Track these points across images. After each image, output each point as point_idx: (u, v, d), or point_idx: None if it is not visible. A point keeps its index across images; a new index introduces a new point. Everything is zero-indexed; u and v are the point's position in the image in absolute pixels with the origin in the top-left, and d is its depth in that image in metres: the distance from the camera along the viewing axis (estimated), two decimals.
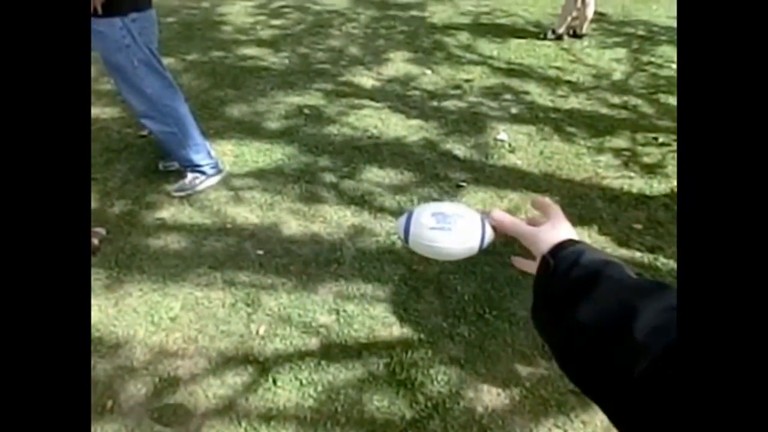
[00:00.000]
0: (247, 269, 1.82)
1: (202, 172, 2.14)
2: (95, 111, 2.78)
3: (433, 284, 1.76)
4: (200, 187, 2.17)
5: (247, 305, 1.67)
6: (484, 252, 0.59)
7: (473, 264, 1.84)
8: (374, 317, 1.65)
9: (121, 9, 1.63)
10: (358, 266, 1.83)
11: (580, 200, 2.23)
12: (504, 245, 1.93)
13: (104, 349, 1.54)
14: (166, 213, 2.09)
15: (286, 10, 4.87)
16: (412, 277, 1.78)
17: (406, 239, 0.56)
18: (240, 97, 3.06)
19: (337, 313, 1.66)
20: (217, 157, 2.33)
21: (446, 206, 0.56)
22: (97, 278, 1.79)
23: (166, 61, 3.58)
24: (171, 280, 1.77)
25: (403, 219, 0.57)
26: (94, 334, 1.59)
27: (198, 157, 2.07)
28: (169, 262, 1.85)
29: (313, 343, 1.56)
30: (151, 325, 1.61)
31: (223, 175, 2.24)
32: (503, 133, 2.69)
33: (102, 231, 1.98)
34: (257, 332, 1.58)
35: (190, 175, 2.13)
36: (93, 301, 1.70)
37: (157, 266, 1.83)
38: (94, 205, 2.15)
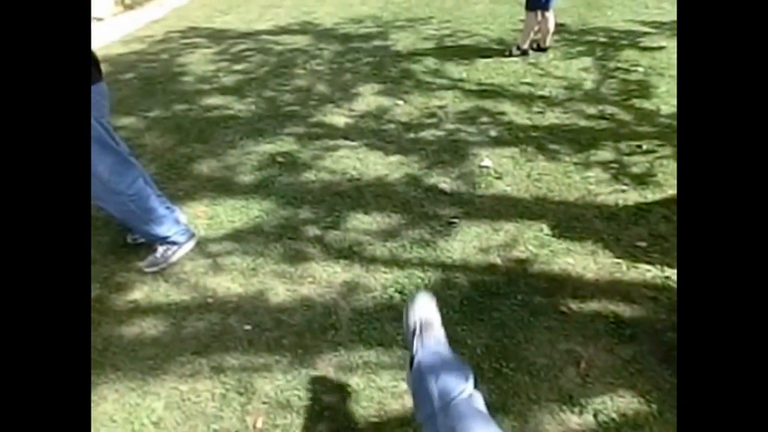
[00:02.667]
0: (235, 350, 1.64)
1: (173, 243, 1.97)
2: None
3: None
4: (174, 259, 1.99)
5: (240, 394, 1.49)
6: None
7: (479, 310, 1.70)
8: (382, 388, 1.49)
9: None
10: (357, 329, 1.68)
11: (578, 222, 2.13)
12: (507, 284, 1.81)
13: None
14: (139, 293, 1.90)
15: (247, 53, 4.78)
16: None
17: None
18: (208, 152, 2.91)
19: (341, 389, 1.49)
20: (186, 221, 2.17)
21: None
22: None
23: (127, 120, 3.43)
24: (150, 375, 1.58)
25: None
26: None
27: (163, 229, 1.91)
28: (146, 353, 1.66)
29: (320, 430, 1.39)
30: None
31: (196, 240, 2.08)
32: (487, 159, 2.60)
33: None
34: (254, 426, 1.40)
35: (160, 248, 1.96)
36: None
37: (134, 360, 1.64)
38: None
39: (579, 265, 1.88)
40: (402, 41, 4.78)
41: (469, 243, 2.02)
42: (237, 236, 2.16)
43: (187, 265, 2.02)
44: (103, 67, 1.72)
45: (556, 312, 1.68)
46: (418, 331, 1.18)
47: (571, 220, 2.14)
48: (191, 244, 2.05)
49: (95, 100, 1.59)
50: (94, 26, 7.02)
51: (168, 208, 2.00)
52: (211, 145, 2.99)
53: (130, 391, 1.54)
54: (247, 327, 1.72)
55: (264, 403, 1.46)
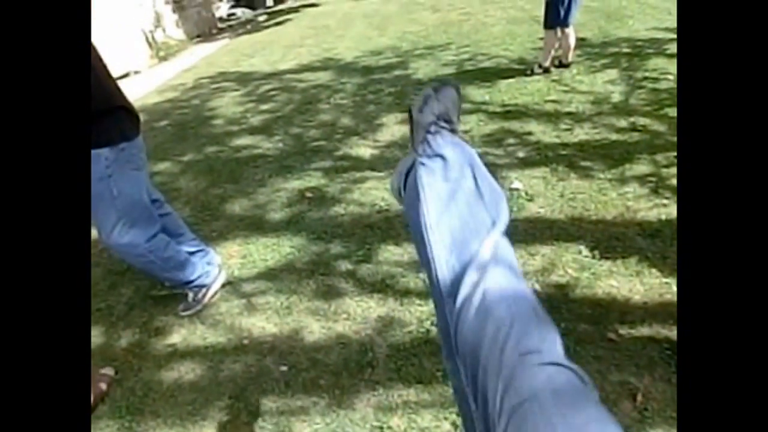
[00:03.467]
0: (272, 392, 1.62)
1: (201, 285, 1.99)
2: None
3: None
4: (207, 300, 2.02)
5: None
6: None
7: None
8: (424, 429, 1.42)
9: (108, 140, 1.55)
10: (394, 366, 1.63)
11: (618, 241, 2.03)
12: (549, 312, 1.73)
13: None
14: (177, 337, 1.92)
15: (273, 92, 4.95)
16: None
17: None
18: (239, 191, 2.98)
19: (381, 430, 1.43)
20: (220, 261, 2.20)
21: None
22: None
23: (162, 166, 3.58)
24: (190, 421, 1.57)
25: None
26: None
27: (186, 274, 1.92)
28: (185, 398, 1.66)
29: None
30: None
31: (224, 277, 2.11)
32: (516, 181, 2.54)
33: (110, 372, 1.81)
34: None
35: (190, 293, 1.99)
36: None
37: (173, 406, 1.64)
38: (99, 339, 2.00)
39: (624, 288, 1.78)
40: (422, 69, 4.84)
41: None
42: (270, 274, 2.17)
43: (222, 306, 2.03)
44: (140, 117, 1.80)
45: (603, 340, 1.58)
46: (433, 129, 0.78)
47: (611, 240, 2.04)
48: (220, 282, 2.08)
49: (132, 153, 1.65)
50: (133, 78, 7.48)
51: (193, 253, 2.02)
52: (242, 184, 3.06)
53: None
54: (284, 368, 1.69)
55: None
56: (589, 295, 1.77)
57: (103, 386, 1.74)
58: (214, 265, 2.08)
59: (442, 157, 0.70)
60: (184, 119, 4.67)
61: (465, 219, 0.63)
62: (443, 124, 0.79)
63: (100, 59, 1.58)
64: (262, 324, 1.91)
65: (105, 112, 1.54)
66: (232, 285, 2.15)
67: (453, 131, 0.80)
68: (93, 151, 1.55)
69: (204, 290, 2.01)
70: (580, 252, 1.99)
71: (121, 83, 1.72)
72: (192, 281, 1.95)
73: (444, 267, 0.61)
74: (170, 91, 6.07)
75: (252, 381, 1.67)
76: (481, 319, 0.54)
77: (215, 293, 2.06)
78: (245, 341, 1.84)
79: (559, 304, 1.75)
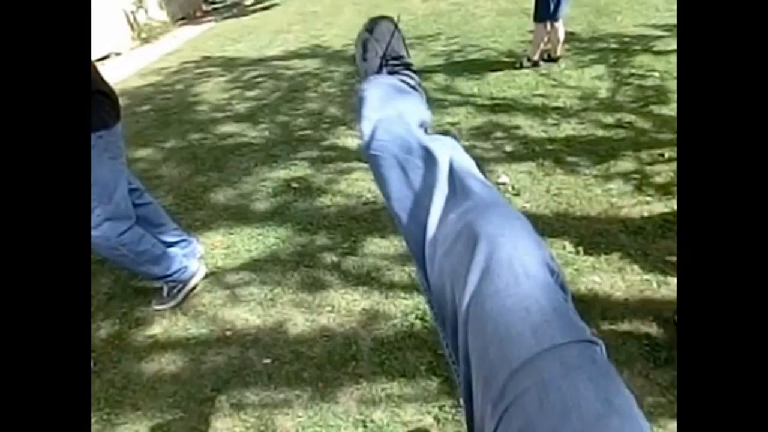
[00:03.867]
0: (255, 384, 1.61)
1: (177, 281, 1.94)
2: None
3: None
4: (182, 296, 1.96)
5: (261, 431, 1.46)
6: None
7: None
8: (407, 423, 1.43)
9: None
10: (378, 360, 1.63)
11: (602, 237, 2.06)
12: None
13: None
14: (159, 328, 1.89)
15: (259, 79, 4.86)
16: (440, 364, 1.58)
17: None
18: (224, 180, 2.93)
19: (364, 424, 1.44)
20: (203, 251, 2.16)
21: None
22: None
23: (144, 152, 3.50)
24: (170, 414, 1.55)
25: None
26: None
27: (161, 269, 1.85)
28: (166, 390, 1.64)
29: None
30: None
31: (203, 273, 2.05)
32: (503, 175, 2.55)
33: (89, 364, 1.78)
34: None
35: (165, 287, 1.94)
36: None
37: (153, 398, 1.62)
38: None
39: (606, 284, 1.81)
40: (411, 59, 4.80)
41: None
42: (254, 266, 2.15)
43: (205, 297, 2.01)
44: (121, 101, 1.74)
45: None
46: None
47: (595, 236, 2.06)
48: (198, 277, 2.02)
49: (110, 141, 1.59)
50: (114, 61, 7.27)
51: (174, 243, 1.98)
52: (227, 173, 3.01)
53: None
54: (267, 360, 1.68)
55: None
56: (572, 290, 1.79)
57: None
58: (193, 260, 2.03)
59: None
60: (167, 104, 4.56)
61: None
62: (393, 62, 0.77)
63: None
64: (246, 316, 1.89)
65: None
66: (215, 276, 2.12)
67: (406, 65, 0.79)
68: None
69: (180, 285, 1.96)
70: (564, 247, 2.01)
71: (101, 65, 1.67)
72: (167, 276, 1.89)
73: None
74: (153, 74, 5.91)
75: (235, 374, 1.66)
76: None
77: (192, 289, 2.00)
78: (228, 333, 1.82)
79: None
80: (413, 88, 0.75)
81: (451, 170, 0.57)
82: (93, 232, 1.64)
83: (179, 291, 1.95)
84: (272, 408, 1.52)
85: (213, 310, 1.94)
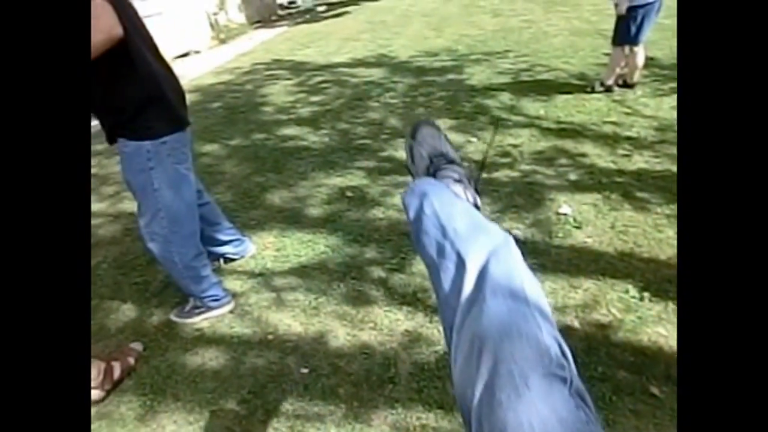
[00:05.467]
0: (290, 393, 1.60)
1: (204, 304, 1.93)
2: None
3: None
4: (195, 320, 1.94)
5: None
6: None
7: None
8: None
9: (150, 133, 1.54)
10: (416, 386, 1.58)
11: (671, 285, 1.89)
12: (586, 353, 1.63)
13: None
14: (206, 322, 1.94)
15: (324, 85, 4.97)
16: None
17: None
18: (281, 182, 3.00)
19: None
20: (239, 246, 2.19)
21: None
22: (131, 407, 1.64)
23: (210, 147, 3.66)
24: (208, 410, 1.58)
25: None
26: None
27: (197, 289, 1.87)
28: (206, 386, 1.67)
29: None
30: None
31: (230, 307, 1.99)
32: (565, 205, 2.43)
33: (139, 347, 1.85)
34: None
35: (190, 303, 1.96)
36: None
37: (194, 391, 1.66)
38: (132, 313, 2.06)
39: (673, 338, 1.65)
40: (477, 75, 4.73)
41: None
42: (302, 271, 2.16)
43: (252, 297, 2.04)
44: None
45: (644, 393, 1.47)
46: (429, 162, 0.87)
47: (663, 282, 1.90)
48: (223, 311, 1.97)
49: (175, 147, 1.60)
50: (192, 58, 7.72)
51: (223, 242, 2.03)
52: (284, 175, 3.08)
53: (187, 425, 1.54)
54: (304, 370, 1.68)
55: None
56: (633, 340, 1.65)
57: (131, 361, 1.79)
58: (227, 296, 1.98)
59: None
60: (235, 103, 4.76)
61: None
62: (437, 160, 0.86)
63: (153, 44, 1.55)
64: (289, 321, 1.90)
65: (149, 102, 1.50)
66: (263, 277, 2.16)
67: (451, 162, 0.87)
68: (135, 142, 1.55)
69: (204, 309, 1.94)
70: (627, 291, 1.87)
71: (180, 62, 1.74)
72: (200, 297, 1.90)
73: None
74: (226, 73, 6.21)
75: (272, 379, 1.66)
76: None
77: (209, 317, 1.96)
78: (270, 336, 1.84)
79: (599, 345, 1.64)
80: (458, 181, 0.82)
81: (482, 274, 0.60)
82: (155, 235, 1.70)
83: (200, 314, 1.94)
84: (305, 420, 1.51)
85: (258, 311, 1.97)
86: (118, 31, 1.31)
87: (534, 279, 0.60)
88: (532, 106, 3.75)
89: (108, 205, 2.97)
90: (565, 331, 1.71)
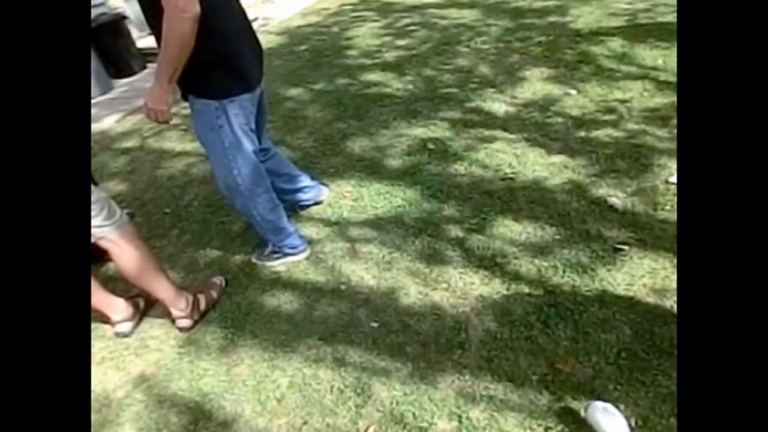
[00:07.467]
0: (359, 345, 1.62)
1: (281, 251, 1.99)
2: None
3: (585, 393, 1.36)
4: (273, 264, 2.00)
5: (357, 394, 1.47)
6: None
7: (641, 369, 1.39)
8: None
9: (217, 93, 1.53)
10: (486, 355, 1.51)
11: None
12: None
13: (212, 426, 1.47)
14: (283, 266, 2.01)
15: (412, 28, 4.71)
16: (555, 380, 1.40)
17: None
18: (362, 130, 2.94)
19: (459, 419, 1.36)
20: (309, 192, 2.20)
21: None
22: (214, 337, 1.76)
23: (294, 91, 3.67)
24: (281, 350, 1.66)
25: None
26: (206, 404, 1.54)
27: (276, 239, 1.93)
28: (280, 327, 1.75)
29: None
30: (257, 404, 1.50)
31: (306, 255, 2.02)
32: (676, 174, 2.11)
33: (221, 281, 1.97)
34: None
35: (269, 247, 2.01)
36: (208, 364, 1.67)
37: (269, 331, 1.74)
38: (217, 252, 2.18)
39: None
40: (583, 17, 4.18)
41: (639, 279, 1.67)
42: (377, 224, 2.14)
43: (328, 246, 2.06)
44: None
45: None
46: None
47: None
48: (298, 258, 2.00)
49: (243, 106, 1.59)
50: (282, 0, 7.68)
51: (293, 191, 2.08)
52: (366, 122, 3.01)
53: (263, 361, 1.64)
54: (374, 324, 1.68)
55: (378, 411, 1.42)
56: None
57: (215, 294, 1.91)
58: (303, 243, 2.01)
59: None
60: (321, 46, 4.69)
61: None
62: None
63: None
64: (361, 273, 1.90)
65: (218, 62, 1.48)
66: (339, 226, 2.16)
67: None
68: (203, 100, 1.55)
69: (281, 255, 1.99)
70: None
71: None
72: (278, 244, 1.96)
73: None
74: (313, 15, 6.12)
75: (342, 329, 1.69)
76: None
77: (285, 263, 2.01)
78: (342, 287, 1.86)
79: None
80: None
81: None
82: (232, 191, 1.76)
83: (278, 258, 2.00)
84: (371, 374, 1.52)
85: (332, 260, 1.99)
86: (195, 9, 1.29)
87: None
88: (649, 55, 3.25)
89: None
90: (661, 316, 1.53)
